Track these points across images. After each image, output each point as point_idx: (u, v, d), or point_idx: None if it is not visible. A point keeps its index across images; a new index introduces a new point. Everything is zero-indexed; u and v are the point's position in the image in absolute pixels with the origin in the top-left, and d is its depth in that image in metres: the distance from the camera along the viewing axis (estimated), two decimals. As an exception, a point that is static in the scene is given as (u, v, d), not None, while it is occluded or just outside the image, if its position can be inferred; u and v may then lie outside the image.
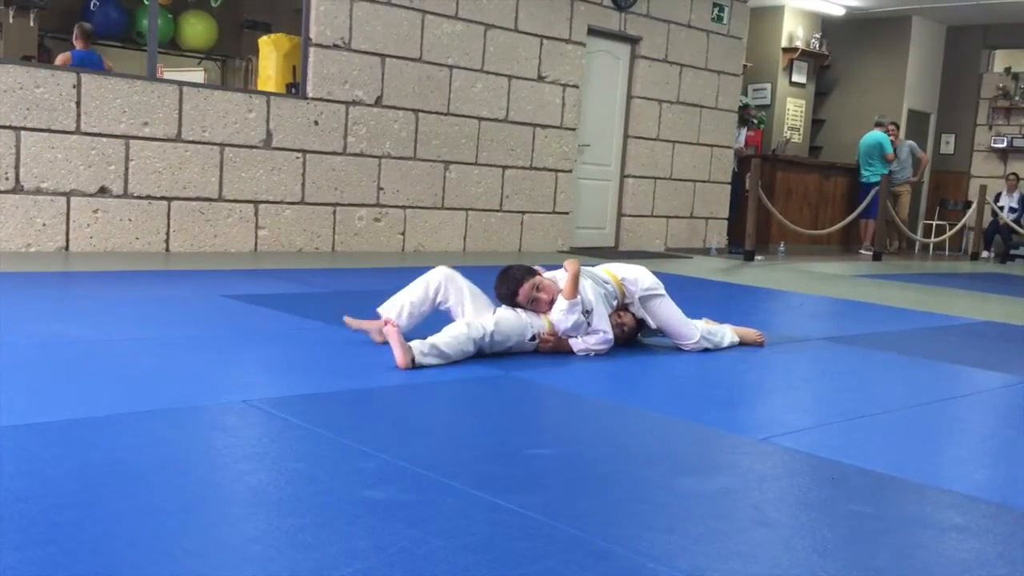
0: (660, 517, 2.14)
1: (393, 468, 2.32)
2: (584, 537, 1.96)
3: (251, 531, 1.91)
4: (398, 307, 3.83)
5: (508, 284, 3.83)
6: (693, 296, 5.08)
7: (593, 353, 3.89)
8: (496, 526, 1.98)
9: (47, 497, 1.99)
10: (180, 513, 1.95)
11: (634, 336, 4.20)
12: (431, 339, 3.53)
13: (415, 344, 3.47)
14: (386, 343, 3.57)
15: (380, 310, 3.86)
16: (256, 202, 7.23)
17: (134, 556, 1.74)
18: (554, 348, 3.88)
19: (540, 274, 3.88)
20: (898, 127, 13.00)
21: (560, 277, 3.94)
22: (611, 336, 3.93)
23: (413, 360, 3.43)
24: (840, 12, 13.45)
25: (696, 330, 4.22)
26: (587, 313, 3.86)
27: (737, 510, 2.22)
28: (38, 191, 6.25)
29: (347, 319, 3.83)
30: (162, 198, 6.76)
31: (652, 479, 2.43)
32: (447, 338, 3.55)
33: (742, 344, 4.41)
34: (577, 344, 3.89)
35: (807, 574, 1.86)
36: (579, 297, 3.83)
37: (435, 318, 3.87)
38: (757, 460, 2.69)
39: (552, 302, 3.83)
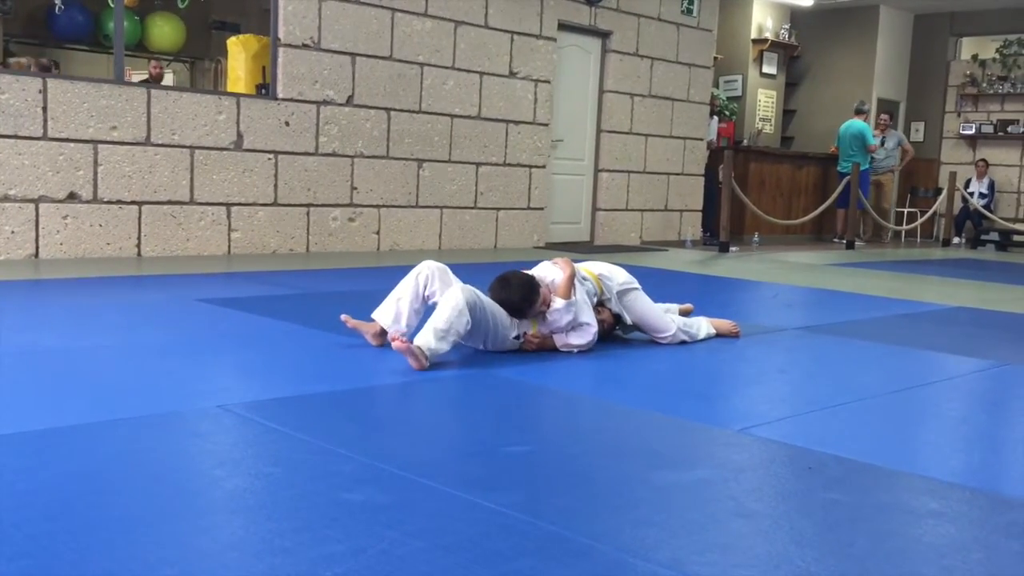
0: (639, 511, 2.14)
1: (370, 470, 2.31)
2: (563, 533, 1.96)
3: (228, 537, 1.90)
4: (393, 312, 3.74)
5: (516, 302, 3.73)
6: (669, 289, 5.09)
7: (576, 350, 3.90)
8: (475, 525, 1.98)
9: (20, 509, 1.96)
10: (156, 521, 1.94)
11: (611, 331, 4.22)
12: (429, 325, 3.47)
13: (419, 342, 3.42)
14: (382, 346, 3.70)
15: (375, 316, 3.78)
16: (228, 204, 7.18)
17: (111, 567, 1.72)
18: (538, 347, 3.88)
19: (541, 284, 3.80)
20: (891, 116, 13.11)
21: (546, 271, 3.94)
22: (596, 328, 3.93)
23: (426, 357, 3.40)
24: (808, 2, 13.52)
25: (672, 323, 4.24)
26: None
27: (715, 502, 2.23)
28: (6, 198, 6.17)
29: (344, 317, 3.77)
30: (132, 203, 6.69)
31: (630, 473, 2.43)
32: (444, 314, 3.48)
33: (718, 336, 4.43)
34: (560, 340, 3.90)
35: (786, 564, 1.87)
36: (575, 297, 3.84)
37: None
38: (734, 451, 2.70)
39: (549, 304, 3.82)
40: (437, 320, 3.49)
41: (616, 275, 4.15)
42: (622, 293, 4.13)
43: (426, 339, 3.43)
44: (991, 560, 1.96)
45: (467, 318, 3.52)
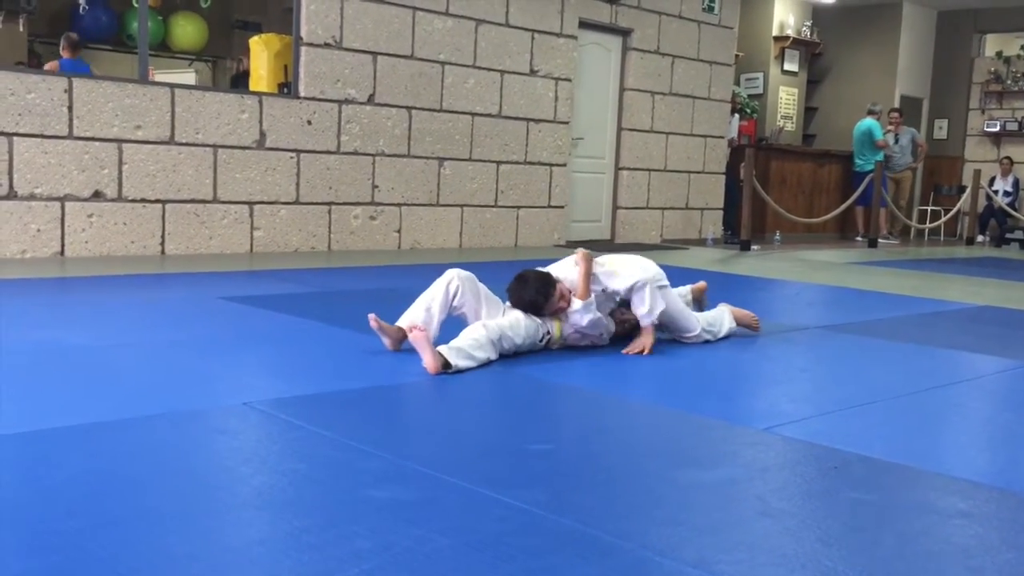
0: (664, 510, 2.14)
1: (395, 467, 2.32)
2: (588, 531, 1.96)
3: (255, 534, 1.91)
4: (423, 317, 3.68)
5: (531, 295, 3.74)
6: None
7: (589, 342, 3.89)
8: (500, 523, 1.98)
9: (49, 505, 1.98)
10: (183, 517, 1.95)
11: (635, 331, 4.19)
12: (456, 343, 3.46)
13: (443, 349, 3.40)
14: (398, 350, 3.65)
15: (401, 323, 3.72)
16: (251, 203, 7.21)
17: (138, 562, 1.73)
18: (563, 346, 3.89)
19: (557, 281, 3.80)
20: (901, 113, 13.00)
21: (564, 266, 3.94)
22: (605, 323, 3.93)
23: (445, 364, 3.36)
24: (831, -1, 13.46)
25: (697, 323, 4.23)
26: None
27: (741, 501, 2.23)
28: (32, 197, 6.23)
29: (372, 317, 3.69)
30: (156, 201, 6.74)
31: (655, 472, 2.43)
32: (471, 341, 3.48)
33: (739, 326, 4.42)
34: (572, 331, 3.90)
35: (812, 563, 1.86)
36: (592, 296, 3.84)
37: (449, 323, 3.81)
38: (759, 450, 2.69)
39: (569, 301, 3.82)
40: (464, 343, 3.46)
41: (644, 271, 4.10)
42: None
43: (449, 352, 3.40)
44: (1021, 561, 1.94)
45: (492, 354, 3.54)
